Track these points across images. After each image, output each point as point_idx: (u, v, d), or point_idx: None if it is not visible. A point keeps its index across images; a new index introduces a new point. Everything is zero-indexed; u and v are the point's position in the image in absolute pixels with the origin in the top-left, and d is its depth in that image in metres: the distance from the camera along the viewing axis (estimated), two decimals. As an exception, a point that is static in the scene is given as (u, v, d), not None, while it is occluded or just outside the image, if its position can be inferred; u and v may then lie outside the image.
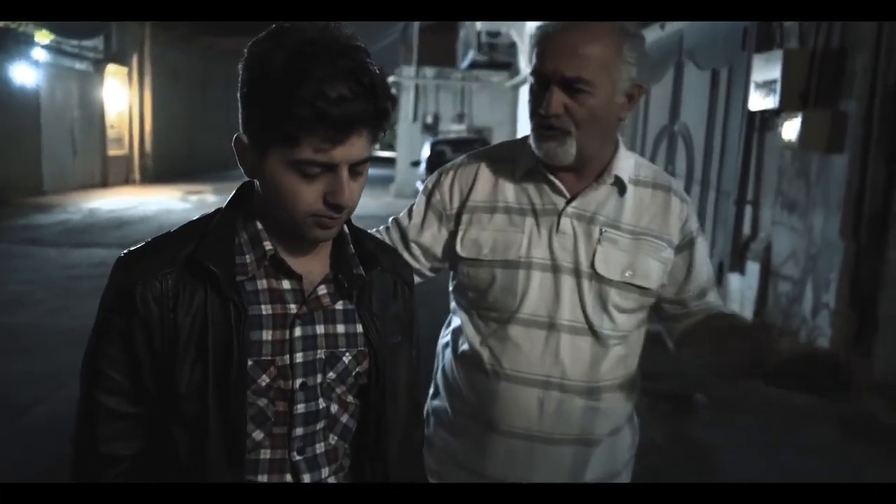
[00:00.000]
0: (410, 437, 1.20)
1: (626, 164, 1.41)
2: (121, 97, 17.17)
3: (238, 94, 1.01)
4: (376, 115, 0.97)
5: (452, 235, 1.43)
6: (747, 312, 5.78)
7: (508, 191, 1.41)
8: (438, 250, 1.47)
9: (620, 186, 1.40)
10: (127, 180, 17.27)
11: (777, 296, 5.49)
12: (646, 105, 8.64)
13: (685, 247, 1.44)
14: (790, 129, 5.00)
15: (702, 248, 1.47)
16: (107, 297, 1.04)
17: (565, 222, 1.37)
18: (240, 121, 1.02)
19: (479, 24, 18.12)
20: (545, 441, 1.38)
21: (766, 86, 5.18)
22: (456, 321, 1.49)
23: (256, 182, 1.05)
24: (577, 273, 1.37)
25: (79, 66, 15.29)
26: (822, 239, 4.95)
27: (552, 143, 1.32)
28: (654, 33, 8.39)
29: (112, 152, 16.79)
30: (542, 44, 1.32)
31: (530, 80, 1.35)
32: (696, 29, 7.25)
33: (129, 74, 17.41)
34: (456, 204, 1.44)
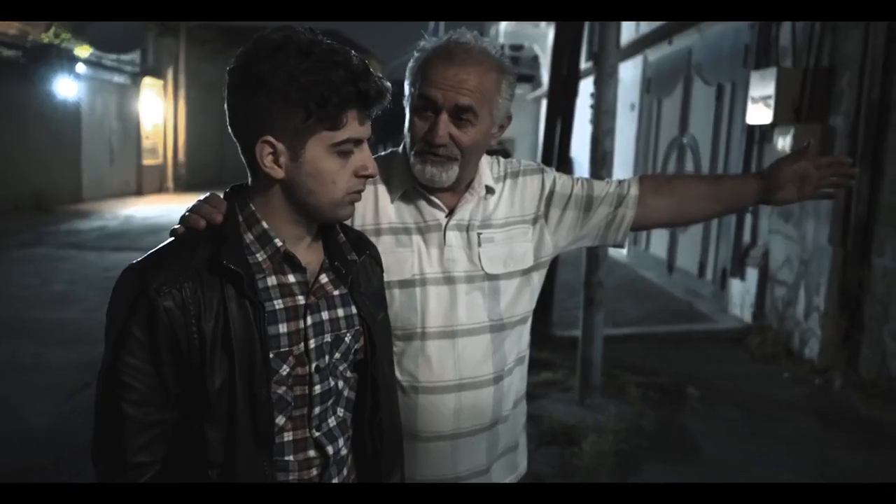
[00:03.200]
0: (395, 402, 1.30)
1: (487, 172, 1.50)
2: (156, 109, 17.85)
3: (257, 105, 1.04)
4: (387, 93, 1.09)
5: None
6: (747, 316, 6.06)
7: (389, 211, 1.44)
8: None
9: (489, 192, 1.50)
10: (161, 189, 17.90)
11: (774, 300, 5.76)
12: (658, 117, 8.94)
13: (551, 199, 1.54)
14: (784, 141, 5.29)
15: (566, 179, 1.57)
16: (121, 308, 1.05)
17: (451, 235, 1.44)
18: (261, 128, 1.05)
19: (502, 38, 18.52)
20: (466, 435, 1.46)
21: (763, 101, 5.48)
22: None
23: (257, 185, 1.11)
24: (470, 279, 1.45)
25: (117, 79, 15.97)
26: (814, 246, 5.23)
27: (436, 168, 1.38)
28: (662, 50, 8.72)
29: (147, 162, 17.44)
30: (432, 70, 1.35)
31: (410, 101, 1.40)
32: (704, 45, 7.56)
33: (165, 87, 18.09)
34: None
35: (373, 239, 1.41)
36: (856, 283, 4.85)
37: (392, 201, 1.45)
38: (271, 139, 1.06)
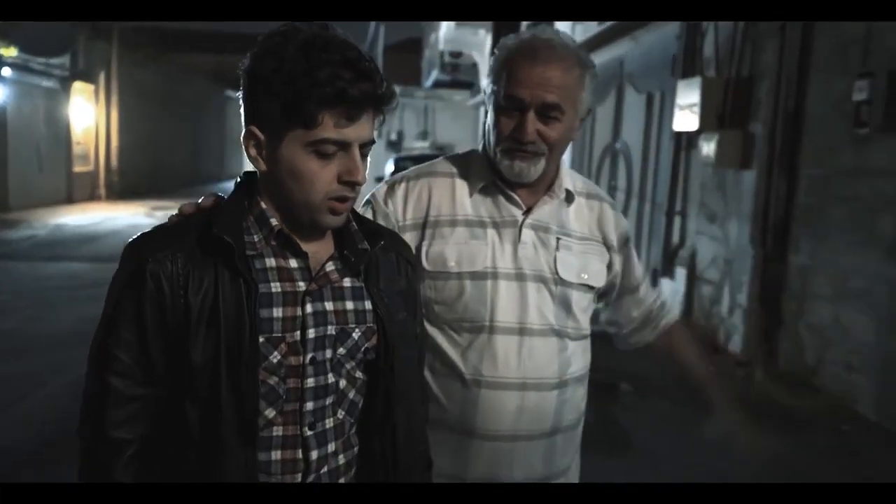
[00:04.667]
0: (417, 412, 1.21)
1: (568, 178, 1.51)
2: (87, 114, 17.32)
3: (245, 92, 1.05)
4: (381, 97, 1.05)
5: (416, 250, 1.43)
6: (677, 313, 6.33)
7: (466, 204, 1.45)
8: None
9: (569, 198, 1.50)
10: (92, 196, 17.36)
11: (701, 298, 6.05)
12: (592, 124, 9.23)
13: (624, 246, 1.58)
14: (708, 147, 5.58)
15: (633, 248, 1.63)
16: (118, 281, 1.05)
17: (526, 233, 1.44)
18: (249, 117, 1.06)
19: (441, 45, 18.71)
20: (524, 438, 1.43)
21: (689, 108, 5.76)
22: (424, 333, 1.45)
23: (259, 173, 1.09)
24: (541, 279, 1.44)
25: (45, 83, 15.43)
26: (736, 246, 5.52)
27: (525, 163, 1.39)
28: (596, 58, 8.97)
29: (78, 169, 16.90)
30: (518, 69, 1.36)
31: (495, 99, 1.40)
32: (635, 55, 7.87)
33: (96, 92, 17.57)
34: (409, 217, 1.46)
35: (447, 230, 1.43)
36: (774, 281, 5.14)
37: (470, 195, 1.46)
38: (254, 129, 1.05)
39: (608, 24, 7.77)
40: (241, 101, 1.08)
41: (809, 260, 4.82)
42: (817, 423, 4.23)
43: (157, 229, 1.09)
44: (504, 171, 1.41)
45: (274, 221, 1.08)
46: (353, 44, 1.04)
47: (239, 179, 1.13)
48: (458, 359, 1.42)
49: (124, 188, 18.07)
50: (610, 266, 1.55)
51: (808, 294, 4.79)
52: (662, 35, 6.91)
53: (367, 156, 1.08)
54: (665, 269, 6.67)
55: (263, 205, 1.09)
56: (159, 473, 1.05)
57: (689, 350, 1.73)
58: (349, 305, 1.11)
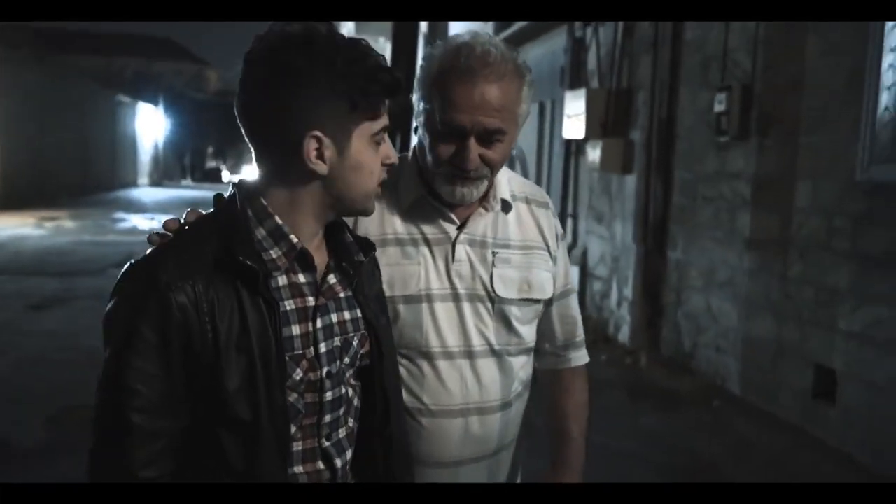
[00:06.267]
0: (402, 412, 1.24)
1: (504, 185, 1.41)
2: (-37, 120, 16.30)
3: (298, 98, 0.99)
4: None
5: None
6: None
7: (396, 222, 1.37)
8: None
9: (505, 207, 1.41)
10: (-28, 207, 16.34)
11: (593, 293, 6.51)
12: (490, 131, 9.63)
13: (557, 251, 1.48)
14: (594, 154, 6.04)
15: (563, 250, 1.52)
16: (128, 311, 0.97)
17: (460, 250, 1.37)
18: (305, 123, 1.00)
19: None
20: (469, 462, 1.39)
21: (576, 117, 6.20)
22: None
23: (270, 182, 1.05)
24: (477, 298, 1.37)
25: (-85, 87, 14.45)
26: (622, 244, 6.00)
27: (467, 188, 1.32)
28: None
29: (-46, 178, 15.88)
30: (454, 91, 1.25)
31: (428, 121, 1.30)
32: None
33: (-27, 96, 16.57)
34: None
35: (377, 251, 1.32)
36: (655, 275, 5.64)
37: (399, 212, 1.37)
38: (319, 134, 1.00)
39: (502, 35, 8.17)
40: (267, 109, 1.01)
41: (684, 255, 5.33)
42: (692, 401, 4.72)
43: (165, 252, 1.02)
44: (444, 195, 1.34)
45: (294, 238, 1.04)
46: (355, 38, 1.06)
47: (235, 188, 1.08)
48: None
49: (9, 196, 17.07)
50: (556, 273, 1.47)
51: (684, 286, 5.30)
52: (551, 48, 7.37)
53: None
54: (559, 267, 7.10)
55: (278, 219, 1.04)
56: None
57: (571, 402, 1.51)
58: (347, 315, 1.12)
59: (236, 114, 1.04)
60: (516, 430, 1.47)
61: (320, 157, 1.02)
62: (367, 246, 1.17)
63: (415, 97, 1.34)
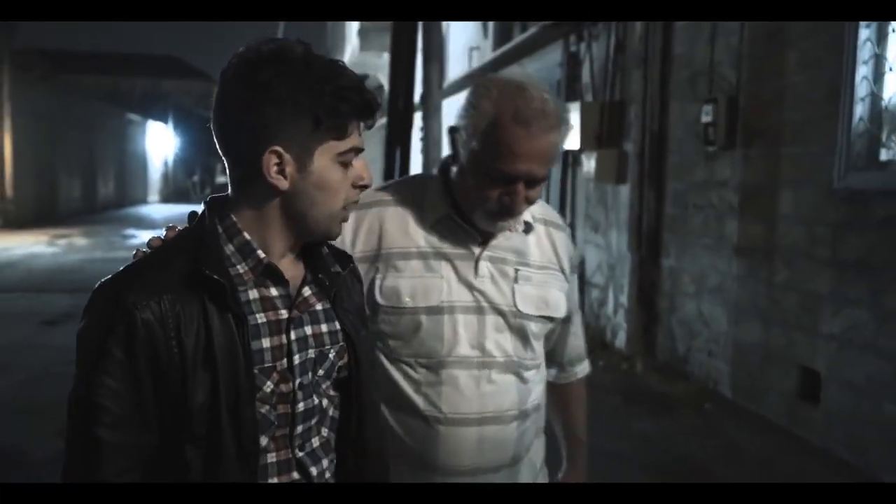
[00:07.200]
0: (379, 422, 1.26)
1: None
2: (-23, 141, 16.62)
3: (262, 114, 1.00)
4: (379, 106, 1.10)
5: (370, 284, 1.41)
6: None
7: (420, 236, 1.42)
8: None
9: (527, 228, 1.47)
10: (-15, 226, 16.64)
11: (590, 301, 6.64)
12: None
13: (571, 273, 1.57)
14: (589, 165, 6.19)
15: (574, 276, 1.62)
16: (96, 327, 1.00)
17: (483, 266, 1.42)
18: (267, 139, 1.00)
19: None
20: (487, 471, 1.42)
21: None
22: (378, 367, 1.45)
23: (246, 197, 1.05)
24: (499, 312, 1.42)
25: (-70, 110, 14.78)
26: (617, 252, 6.14)
27: (507, 223, 1.40)
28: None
29: (-32, 198, 16.18)
30: (511, 140, 1.29)
31: (478, 161, 1.33)
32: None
33: (-14, 117, 16.91)
34: (359, 248, 1.42)
35: (401, 263, 1.40)
36: (650, 282, 5.77)
37: (424, 226, 1.42)
38: (279, 149, 1.01)
39: (501, 50, 8.36)
40: (234, 124, 1.03)
41: (676, 262, 5.46)
42: (685, 405, 4.84)
43: (135, 267, 1.04)
44: (483, 227, 1.40)
45: (261, 253, 1.06)
46: (333, 58, 1.07)
47: (203, 206, 1.10)
48: (415, 395, 1.41)
49: (21, 217, 17.38)
50: (569, 294, 1.55)
51: (677, 292, 5.43)
52: (547, 63, 7.54)
53: None
54: (558, 276, 7.24)
55: (246, 235, 1.06)
56: None
57: (579, 409, 1.69)
58: (324, 328, 1.13)
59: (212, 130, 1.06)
60: (532, 441, 1.52)
61: (281, 172, 1.02)
62: (344, 258, 1.20)
63: (459, 126, 1.36)
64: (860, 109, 3.65)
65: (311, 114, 1.00)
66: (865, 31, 3.61)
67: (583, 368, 1.69)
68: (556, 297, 1.49)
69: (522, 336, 1.45)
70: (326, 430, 1.14)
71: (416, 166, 6.87)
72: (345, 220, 1.11)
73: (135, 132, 29.65)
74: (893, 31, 3.53)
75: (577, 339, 1.66)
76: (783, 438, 4.12)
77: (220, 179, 41.39)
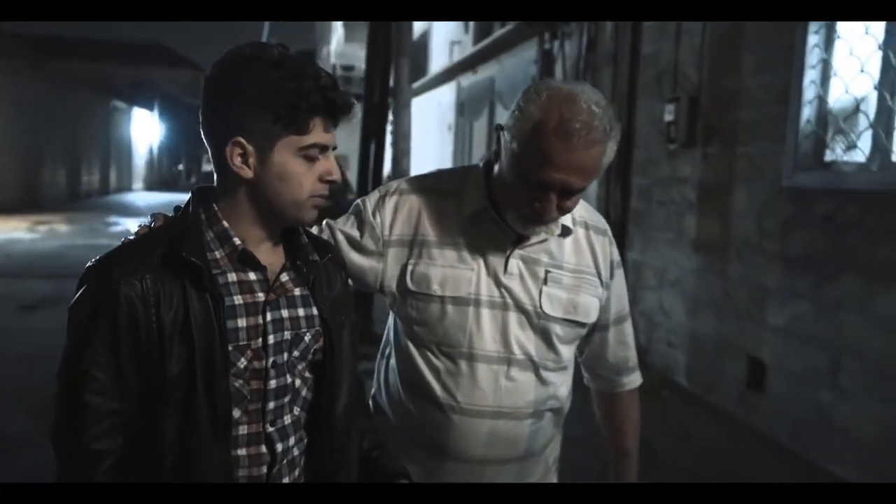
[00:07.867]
0: (352, 404, 1.27)
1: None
2: (-41, 126, 16.54)
3: (224, 108, 1.10)
4: (352, 106, 1.15)
5: (402, 268, 1.44)
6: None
7: (456, 226, 1.43)
8: (367, 270, 1.47)
9: (564, 232, 1.45)
10: (-33, 212, 16.58)
11: (560, 293, 6.80)
12: (470, 137, 9.96)
13: (610, 279, 1.54)
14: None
15: (619, 278, 1.57)
16: (85, 305, 1.08)
17: (513, 264, 1.43)
18: (232, 129, 1.09)
19: (333, 58, 19.05)
20: (494, 463, 1.45)
21: (544, 126, 6.49)
22: (402, 349, 1.49)
23: (224, 185, 1.14)
24: (524, 311, 1.42)
25: (-89, 94, 14.69)
26: (586, 246, 6.29)
27: (539, 228, 1.39)
28: (470, 78, 9.74)
29: (-50, 183, 16.11)
30: (552, 150, 1.26)
31: (518, 164, 1.31)
32: (503, 75, 8.63)
33: (-32, 103, 16.82)
34: (396, 233, 1.45)
35: (434, 251, 1.42)
36: (616, 275, 5.93)
37: (461, 218, 1.44)
38: (241, 140, 1.10)
39: (479, 46, 8.50)
40: (210, 117, 1.13)
41: (640, 256, 5.63)
42: (644, 393, 5.00)
43: (119, 252, 1.12)
44: (515, 227, 1.40)
45: (237, 240, 1.14)
46: (312, 61, 1.14)
47: (192, 195, 1.18)
48: (434, 382, 1.43)
49: (2, 204, 17.34)
50: (603, 300, 1.52)
51: (640, 285, 5.60)
52: (523, 59, 7.68)
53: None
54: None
55: (225, 223, 1.14)
56: (138, 480, 1.10)
57: (628, 421, 1.67)
58: (301, 312, 1.19)
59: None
60: (548, 440, 1.53)
61: (245, 163, 1.11)
62: (323, 247, 1.25)
63: (505, 126, 1.35)
64: (807, 112, 3.82)
65: (271, 109, 1.08)
66: (814, 38, 3.78)
67: (631, 380, 1.65)
68: (588, 301, 1.47)
69: (546, 337, 1.45)
70: (298, 408, 1.20)
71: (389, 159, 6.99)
72: (316, 206, 1.16)
73: (120, 119, 29.53)
74: (839, 37, 3.70)
75: (623, 349, 1.60)
76: (732, 425, 4.30)
77: (206, 168, 41.27)
